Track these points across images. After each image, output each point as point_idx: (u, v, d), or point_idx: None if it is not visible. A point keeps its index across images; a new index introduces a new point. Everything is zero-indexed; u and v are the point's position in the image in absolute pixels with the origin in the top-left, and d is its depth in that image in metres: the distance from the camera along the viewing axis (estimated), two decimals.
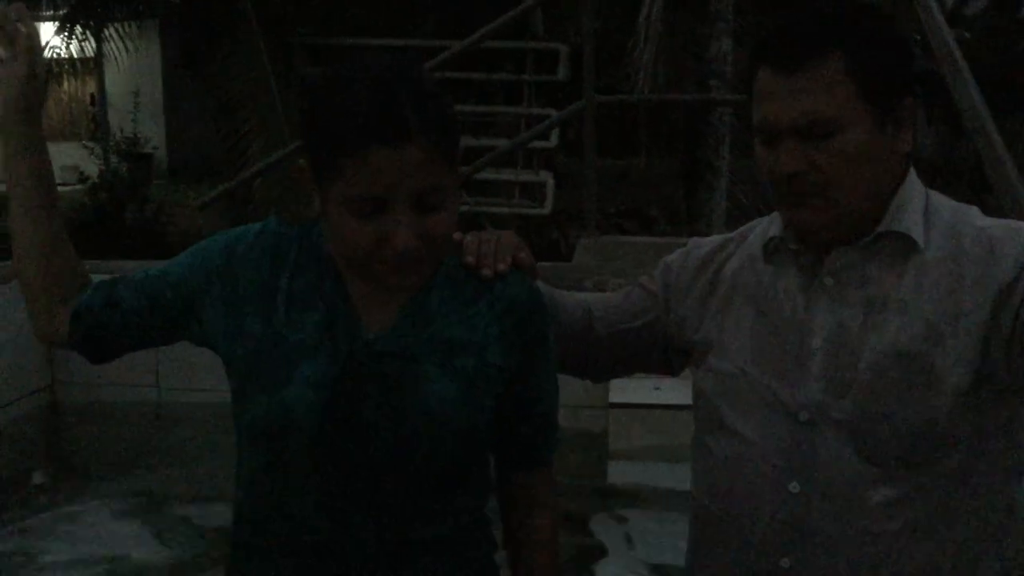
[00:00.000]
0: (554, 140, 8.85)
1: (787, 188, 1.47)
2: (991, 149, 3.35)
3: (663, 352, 1.72)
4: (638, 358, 1.75)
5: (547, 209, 9.07)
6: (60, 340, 1.52)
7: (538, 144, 8.64)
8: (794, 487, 1.48)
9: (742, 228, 1.70)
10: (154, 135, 14.35)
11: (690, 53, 7.74)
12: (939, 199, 1.54)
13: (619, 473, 3.86)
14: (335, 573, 1.39)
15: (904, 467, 1.43)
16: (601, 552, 3.49)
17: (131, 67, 11.65)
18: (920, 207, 1.50)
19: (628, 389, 3.89)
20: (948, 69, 3.49)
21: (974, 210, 1.54)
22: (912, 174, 1.53)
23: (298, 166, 1.37)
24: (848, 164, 1.44)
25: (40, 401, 4.98)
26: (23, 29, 1.49)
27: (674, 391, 3.68)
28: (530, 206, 9.20)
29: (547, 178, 9.12)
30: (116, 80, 12.47)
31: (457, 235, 1.46)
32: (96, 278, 1.53)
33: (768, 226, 1.61)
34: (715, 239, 1.71)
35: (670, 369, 1.75)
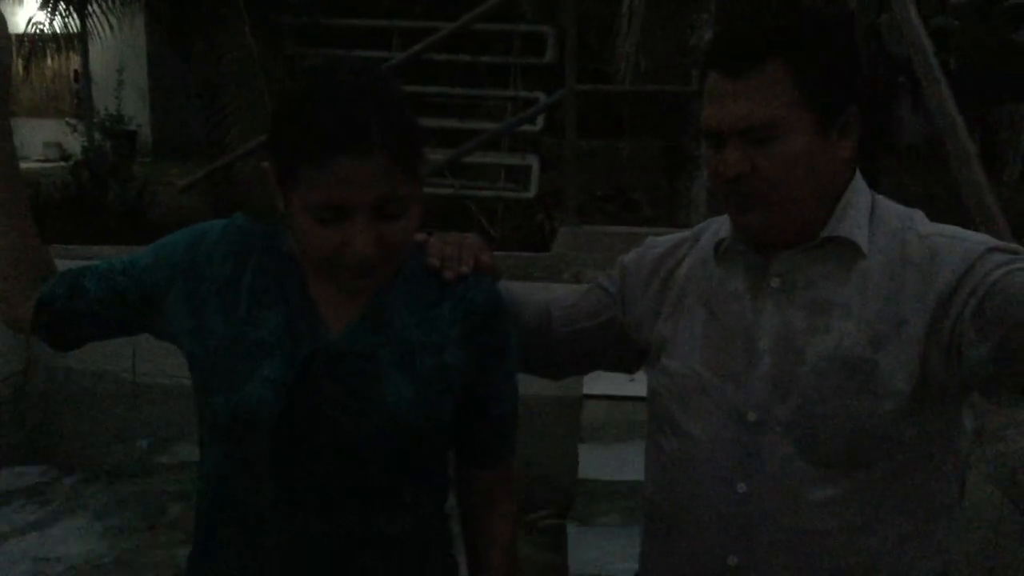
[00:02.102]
0: (540, 124, 8.84)
1: (731, 190, 1.50)
2: (959, 148, 3.38)
3: (619, 351, 1.75)
4: (595, 357, 1.79)
5: (532, 192, 9.08)
6: (24, 327, 1.54)
7: (524, 128, 8.64)
8: (741, 487, 1.52)
9: (695, 228, 1.74)
10: (138, 113, 14.28)
11: (672, 44, 7.74)
12: (885, 205, 1.58)
13: (591, 459, 3.88)
14: (292, 570, 1.42)
15: (845, 467, 1.47)
16: (563, 550, 3.53)
17: (115, 44, 11.60)
18: (865, 212, 1.54)
19: (601, 380, 3.92)
20: (919, 66, 3.52)
21: (919, 216, 1.57)
22: (858, 179, 1.56)
23: (265, 167, 1.39)
24: (789, 168, 1.47)
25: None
26: None
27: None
28: (515, 189, 9.21)
29: (532, 161, 9.11)
30: (100, 57, 12.39)
31: (421, 236, 1.49)
32: (75, 263, 1.56)
33: (719, 227, 1.64)
34: (670, 239, 1.74)
35: (626, 368, 1.79)
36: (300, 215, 1.34)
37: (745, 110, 1.46)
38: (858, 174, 1.57)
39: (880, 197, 1.59)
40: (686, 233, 1.74)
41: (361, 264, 1.34)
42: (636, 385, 1.77)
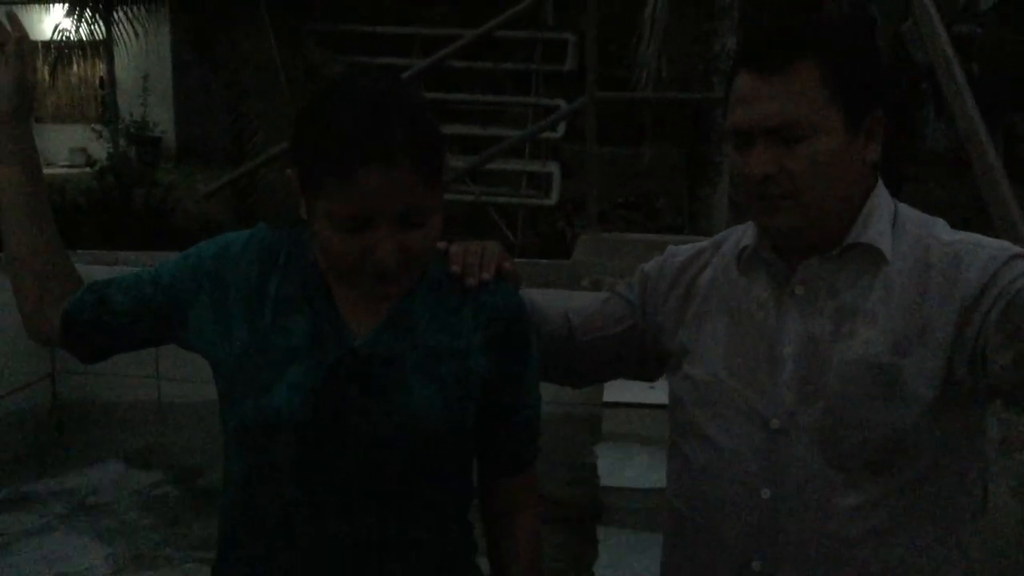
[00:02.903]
0: (561, 130, 8.86)
1: (759, 191, 1.51)
2: (982, 155, 3.36)
3: (640, 359, 1.76)
4: (616, 365, 1.80)
5: (553, 199, 9.10)
6: (52, 340, 1.56)
7: (546, 135, 8.66)
8: (765, 493, 1.52)
9: (717, 236, 1.74)
10: (163, 119, 14.39)
11: (695, 50, 7.73)
12: (907, 211, 1.58)
13: (612, 469, 3.87)
14: (315, 574, 1.43)
15: (870, 473, 1.48)
16: (594, 555, 3.52)
17: (140, 51, 11.69)
18: (888, 219, 1.54)
19: (622, 388, 3.91)
20: (941, 74, 3.50)
21: (940, 223, 1.57)
22: (880, 185, 1.57)
23: (288, 174, 1.41)
24: (818, 169, 1.48)
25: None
26: (13, 34, 1.53)
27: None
28: (536, 196, 9.22)
29: (554, 168, 9.13)
30: (125, 63, 12.50)
31: (442, 244, 1.50)
32: (100, 269, 1.57)
33: (742, 235, 1.65)
34: (691, 247, 1.75)
35: (647, 376, 1.80)
36: (322, 223, 1.35)
37: (776, 109, 1.47)
38: (880, 181, 1.58)
39: (902, 204, 1.59)
40: (707, 242, 1.74)
41: (383, 273, 1.35)
42: (657, 392, 1.77)
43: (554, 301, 1.83)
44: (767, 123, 1.48)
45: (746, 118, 1.50)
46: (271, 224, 1.53)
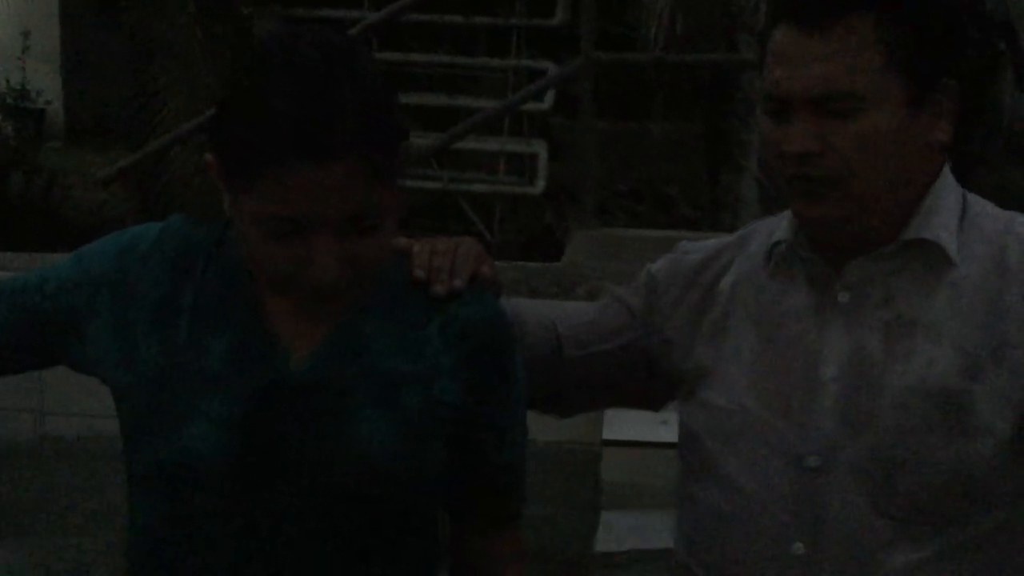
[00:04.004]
0: (548, 101, 8.87)
1: (796, 172, 1.52)
2: None
3: (644, 382, 1.76)
4: (614, 389, 1.80)
5: (539, 187, 9.11)
6: None
7: (529, 106, 8.68)
8: (798, 548, 1.53)
9: (741, 231, 1.76)
10: (48, 87, 14.32)
11: (716, 3, 7.76)
12: (980, 205, 1.60)
13: (614, 528, 3.89)
14: None
15: (931, 525, 1.49)
16: None
17: (20, 3, 11.65)
18: (955, 212, 1.56)
19: (626, 423, 3.92)
20: None
21: (1020, 218, 1.59)
22: (947, 173, 1.59)
23: (207, 159, 1.41)
24: (870, 149, 1.49)
25: None
26: None
27: None
28: (519, 183, 9.24)
29: (540, 148, 9.15)
30: (1, 19, 12.45)
31: (403, 242, 1.50)
32: None
33: (773, 229, 1.66)
34: (710, 244, 1.76)
35: (653, 403, 1.81)
36: (249, 225, 1.35)
37: (822, 73, 1.48)
38: (947, 167, 1.60)
39: (973, 196, 1.61)
40: (730, 238, 1.76)
41: (322, 289, 1.36)
42: (670, 429, 1.78)
43: (541, 310, 1.83)
44: (810, 91, 1.49)
45: (785, 83, 1.51)
46: (187, 218, 1.52)
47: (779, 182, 1.57)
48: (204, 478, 1.40)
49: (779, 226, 1.64)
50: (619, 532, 3.87)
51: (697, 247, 1.76)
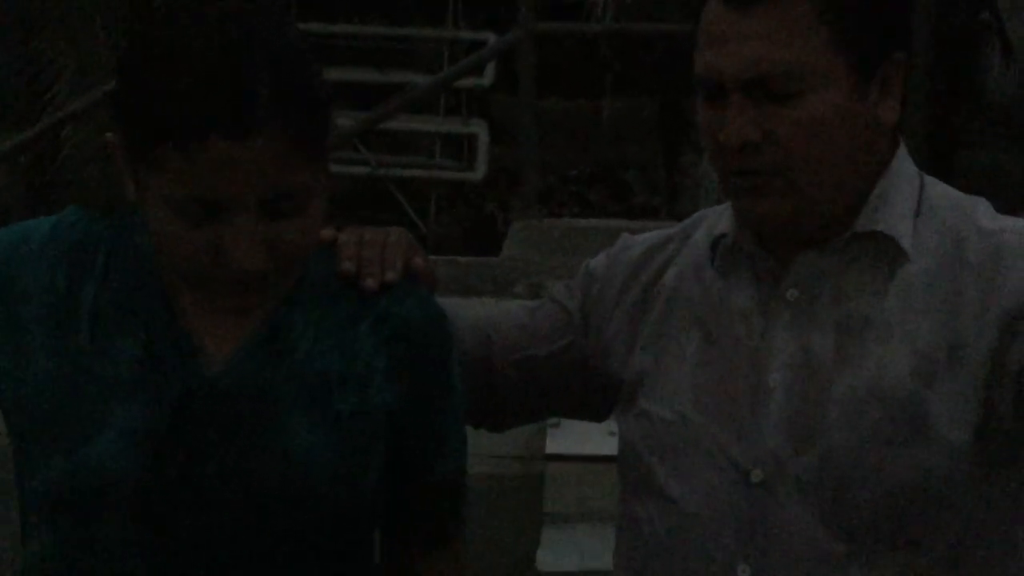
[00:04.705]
0: (489, 76, 8.88)
1: (735, 165, 1.55)
2: None
3: (582, 390, 1.79)
4: (551, 398, 1.84)
5: (480, 172, 9.12)
6: None
7: (467, 82, 8.69)
8: (744, 570, 1.56)
9: (687, 221, 1.79)
10: None
11: None
12: (939, 190, 1.64)
13: (556, 547, 3.91)
14: None
15: (886, 544, 1.53)
16: None
17: None
18: (911, 200, 1.60)
19: (571, 435, 3.93)
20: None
21: (983, 205, 1.62)
22: (903, 156, 1.62)
23: (108, 139, 1.41)
24: (816, 135, 1.52)
25: None
26: None
27: None
28: (456, 168, 9.24)
29: (480, 129, 9.16)
30: None
31: (329, 233, 1.52)
32: None
33: (717, 220, 1.69)
34: (652, 236, 1.79)
35: (594, 413, 1.84)
36: (159, 209, 1.35)
37: (757, 53, 1.51)
38: (903, 149, 1.63)
39: (931, 179, 1.65)
40: (674, 228, 1.79)
41: (242, 279, 1.36)
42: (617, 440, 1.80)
43: (471, 312, 1.85)
44: (745, 72, 1.51)
45: (717, 65, 1.53)
46: (84, 208, 1.52)
47: (719, 174, 1.59)
48: (112, 499, 1.39)
49: (723, 216, 1.67)
50: (562, 551, 3.87)
51: (638, 240, 1.79)
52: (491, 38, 8.73)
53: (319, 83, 1.38)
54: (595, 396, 1.79)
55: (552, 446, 4.08)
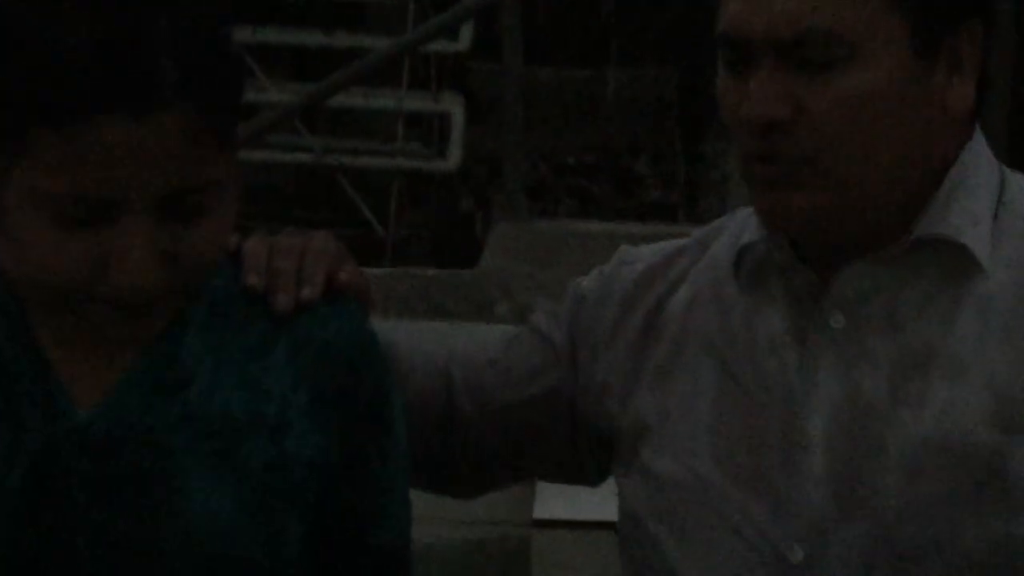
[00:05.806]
0: (465, 40, 8.91)
1: (760, 149, 1.54)
2: None
3: (571, 445, 1.77)
4: (530, 456, 1.81)
5: (453, 161, 9.14)
6: None
7: (438, 46, 8.72)
8: None
9: (705, 229, 1.78)
10: None
11: None
12: None
13: None
14: None
15: None
16: None
17: None
18: (987, 200, 1.59)
19: (563, 498, 3.94)
20: None
21: None
22: (978, 144, 1.61)
23: None
24: (857, 116, 1.52)
25: None
26: None
27: None
28: (424, 154, 9.27)
29: (454, 106, 9.19)
30: None
31: (233, 239, 1.49)
32: None
33: (742, 227, 1.68)
34: (658, 249, 1.78)
35: (582, 475, 1.82)
36: (23, 211, 1.34)
37: (795, 7, 1.50)
38: (979, 137, 1.62)
39: (1016, 175, 1.64)
40: (686, 240, 1.77)
41: (132, 299, 1.35)
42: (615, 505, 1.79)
43: (428, 340, 1.85)
44: (782, 31, 1.51)
45: (746, 18, 1.53)
46: None
47: (740, 160, 1.59)
48: None
49: (749, 222, 1.66)
50: None
51: (641, 253, 1.78)
52: None
53: (228, 48, 1.38)
54: (586, 453, 1.78)
55: (541, 510, 4.08)
